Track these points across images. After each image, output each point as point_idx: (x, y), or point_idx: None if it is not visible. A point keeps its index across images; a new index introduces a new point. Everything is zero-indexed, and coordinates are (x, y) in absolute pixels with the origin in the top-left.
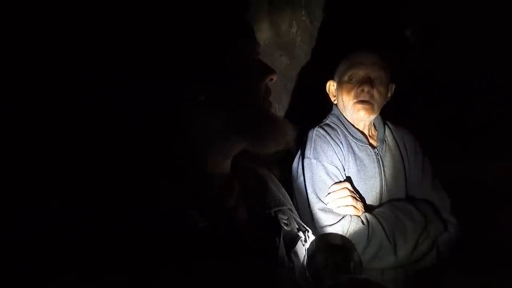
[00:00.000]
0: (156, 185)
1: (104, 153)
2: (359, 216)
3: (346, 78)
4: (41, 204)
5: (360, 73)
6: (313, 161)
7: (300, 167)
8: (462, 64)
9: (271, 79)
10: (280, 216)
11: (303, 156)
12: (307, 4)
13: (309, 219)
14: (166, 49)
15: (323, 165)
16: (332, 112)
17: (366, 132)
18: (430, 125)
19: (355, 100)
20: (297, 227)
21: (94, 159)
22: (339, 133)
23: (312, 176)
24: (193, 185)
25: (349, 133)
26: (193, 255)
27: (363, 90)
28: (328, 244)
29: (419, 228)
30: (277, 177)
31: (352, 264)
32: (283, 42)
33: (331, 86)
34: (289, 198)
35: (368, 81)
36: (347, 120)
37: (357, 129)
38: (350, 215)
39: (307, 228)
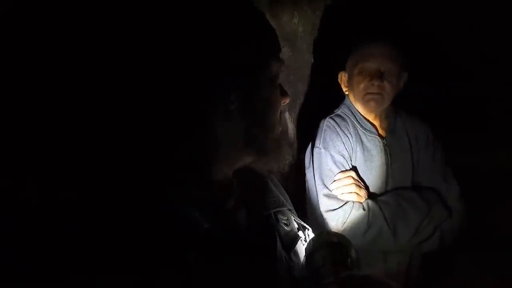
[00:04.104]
0: (160, 186)
1: (112, 153)
2: (361, 203)
3: (356, 71)
4: (42, 201)
5: (370, 66)
6: (322, 150)
7: (311, 156)
8: (481, 52)
9: (284, 102)
10: (280, 216)
11: (313, 146)
12: None
13: (316, 205)
14: (199, 48)
15: (331, 154)
16: (344, 102)
17: (377, 122)
18: (448, 115)
19: (365, 92)
20: (297, 227)
21: (102, 158)
22: (349, 123)
23: (320, 165)
24: (194, 187)
25: (359, 123)
26: (195, 256)
27: (373, 84)
28: (325, 242)
29: (422, 214)
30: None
31: (349, 260)
32: (285, 33)
33: (342, 77)
34: (288, 197)
35: (378, 74)
36: (358, 110)
37: (367, 119)
38: (353, 202)
39: (307, 226)
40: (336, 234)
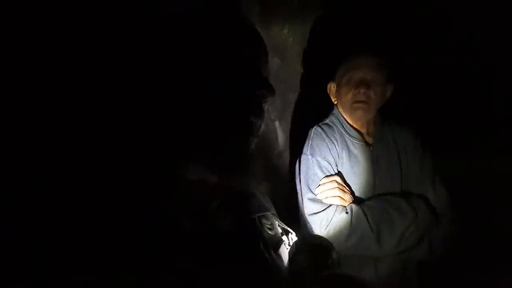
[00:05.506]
0: (146, 189)
1: (106, 157)
2: (344, 207)
3: (344, 80)
4: (37, 203)
5: (357, 75)
6: (309, 156)
7: (299, 162)
8: (472, 57)
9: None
10: (264, 221)
11: (301, 153)
12: (299, 4)
13: (303, 209)
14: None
15: (317, 160)
16: (333, 112)
17: (364, 130)
18: (443, 121)
19: (352, 101)
20: (281, 231)
21: (96, 162)
22: (336, 131)
23: (307, 170)
24: (179, 190)
25: (346, 131)
26: (179, 258)
27: (359, 92)
28: (307, 245)
29: (407, 220)
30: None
31: (330, 261)
32: (275, 43)
33: (331, 88)
34: (271, 203)
35: (364, 83)
36: (345, 119)
37: (354, 127)
38: (336, 205)
39: (290, 231)
40: (318, 237)
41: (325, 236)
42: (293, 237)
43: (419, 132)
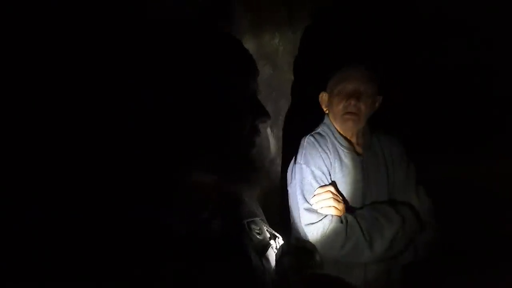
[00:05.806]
0: (142, 193)
1: (103, 160)
2: (339, 216)
3: (336, 91)
4: (45, 202)
5: (349, 87)
6: (303, 166)
7: (292, 171)
8: (473, 57)
9: (264, 121)
10: (253, 226)
11: (295, 162)
12: (289, 14)
13: (298, 218)
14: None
15: (311, 170)
16: (324, 122)
17: (354, 140)
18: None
19: (343, 112)
20: (269, 236)
21: (93, 165)
22: (328, 141)
23: (302, 180)
24: (173, 195)
25: (337, 141)
26: (172, 262)
27: (350, 103)
28: (292, 248)
29: (396, 227)
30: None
31: (312, 262)
32: (266, 52)
33: (323, 97)
34: (261, 210)
35: (355, 95)
36: (336, 129)
37: (345, 137)
38: (331, 215)
39: (278, 235)
40: (302, 241)
41: (321, 245)
42: (280, 241)
43: (404, 142)
